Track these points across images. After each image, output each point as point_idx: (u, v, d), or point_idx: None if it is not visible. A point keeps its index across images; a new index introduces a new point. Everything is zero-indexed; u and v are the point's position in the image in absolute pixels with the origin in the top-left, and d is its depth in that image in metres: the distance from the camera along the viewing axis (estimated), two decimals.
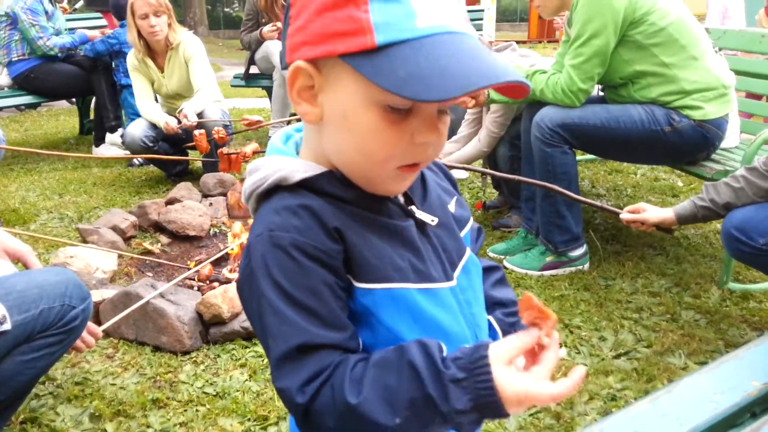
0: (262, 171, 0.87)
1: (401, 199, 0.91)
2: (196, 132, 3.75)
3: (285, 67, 0.83)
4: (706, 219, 2.35)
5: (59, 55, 5.31)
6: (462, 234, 1.00)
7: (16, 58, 5.28)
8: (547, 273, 2.98)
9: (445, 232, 0.94)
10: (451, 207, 0.99)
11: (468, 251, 0.98)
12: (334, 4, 0.75)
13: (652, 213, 2.38)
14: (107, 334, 2.46)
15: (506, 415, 0.76)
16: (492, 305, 1.08)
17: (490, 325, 1.05)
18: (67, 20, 5.93)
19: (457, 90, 0.70)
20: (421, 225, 0.90)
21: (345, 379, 0.77)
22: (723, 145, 2.94)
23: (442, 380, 0.75)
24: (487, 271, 1.11)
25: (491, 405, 0.74)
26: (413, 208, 0.91)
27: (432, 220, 0.91)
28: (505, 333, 1.04)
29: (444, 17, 0.75)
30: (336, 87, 0.79)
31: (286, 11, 0.84)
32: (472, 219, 1.06)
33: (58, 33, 5.40)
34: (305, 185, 0.84)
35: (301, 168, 0.85)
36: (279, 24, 5.26)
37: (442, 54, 0.73)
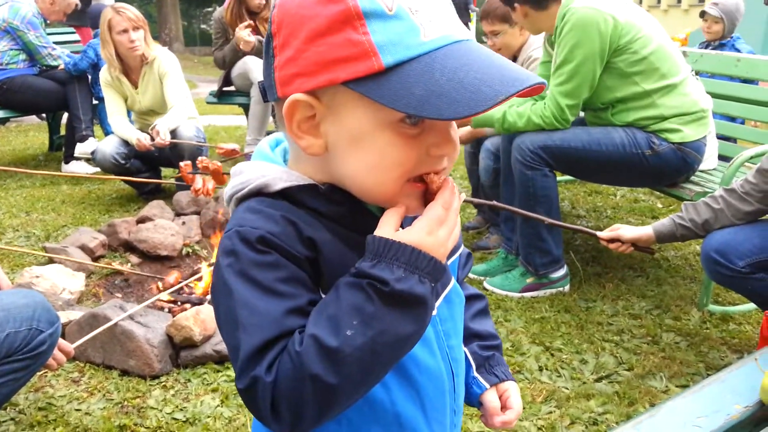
0: (245, 175, 0.83)
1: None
2: (181, 163, 3.65)
3: (275, 99, 0.78)
4: (685, 238, 2.35)
5: (71, 69, 5.23)
6: (449, 261, 0.95)
7: None
8: (527, 294, 2.95)
9: None
10: None
11: (452, 281, 0.94)
12: (328, 29, 0.71)
13: (627, 230, 2.37)
14: (73, 357, 2.37)
15: (441, 264, 0.75)
16: (469, 337, 1.06)
17: (465, 357, 1.03)
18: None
19: (485, 102, 0.67)
20: None
21: (296, 335, 0.72)
22: (701, 167, 2.96)
23: (368, 271, 0.72)
24: (470, 299, 1.07)
25: (416, 258, 0.73)
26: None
27: None
28: (479, 367, 1.04)
29: (446, 27, 0.73)
30: (342, 114, 0.75)
31: (267, 42, 0.78)
32: (462, 245, 1.03)
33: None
34: (286, 195, 0.80)
35: (284, 177, 0.81)
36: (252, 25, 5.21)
37: (458, 66, 0.70)
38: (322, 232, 0.79)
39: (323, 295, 0.78)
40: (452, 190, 0.80)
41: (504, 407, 1.02)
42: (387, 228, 0.76)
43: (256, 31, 5.27)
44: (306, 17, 0.72)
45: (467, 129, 3.39)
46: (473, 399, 1.04)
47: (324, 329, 0.70)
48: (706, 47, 5.53)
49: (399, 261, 0.73)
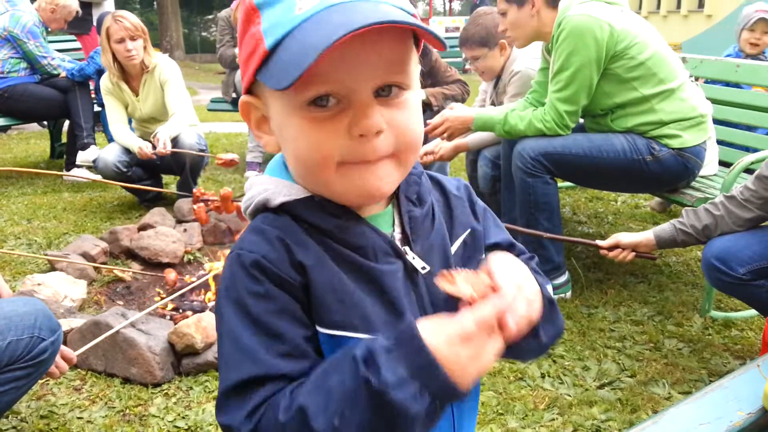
0: (252, 190, 0.85)
1: (397, 237, 0.84)
2: (194, 206, 3.64)
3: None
4: (686, 244, 2.36)
5: (76, 75, 5.25)
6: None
7: None
8: None
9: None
10: (456, 246, 0.89)
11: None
12: (243, 30, 0.77)
13: (627, 236, 2.39)
14: (75, 365, 2.36)
15: (453, 386, 0.67)
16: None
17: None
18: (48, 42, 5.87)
19: (312, 55, 0.66)
20: (410, 270, 0.83)
21: (286, 394, 0.71)
22: (702, 172, 2.96)
23: (373, 356, 0.68)
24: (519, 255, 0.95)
25: (427, 366, 0.66)
26: (407, 249, 0.83)
27: (422, 268, 0.83)
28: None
29: None
30: (269, 108, 0.79)
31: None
32: (513, 250, 0.95)
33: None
34: (286, 209, 0.81)
35: (284, 191, 0.82)
36: None
37: (312, 30, 0.70)
38: (317, 252, 0.78)
39: (318, 328, 0.77)
40: (495, 305, 0.69)
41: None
42: (433, 326, 0.69)
43: None
44: (238, 22, 0.80)
45: (451, 144, 3.41)
46: None
47: (314, 406, 0.68)
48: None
49: (409, 361, 0.67)
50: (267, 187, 0.83)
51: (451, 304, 0.81)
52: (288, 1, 0.72)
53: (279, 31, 0.72)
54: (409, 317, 0.77)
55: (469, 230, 0.92)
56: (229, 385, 0.74)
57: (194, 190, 3.63)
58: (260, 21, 0.73)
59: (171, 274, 2.90)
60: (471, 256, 0.90)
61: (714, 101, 3.13)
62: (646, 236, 2.36)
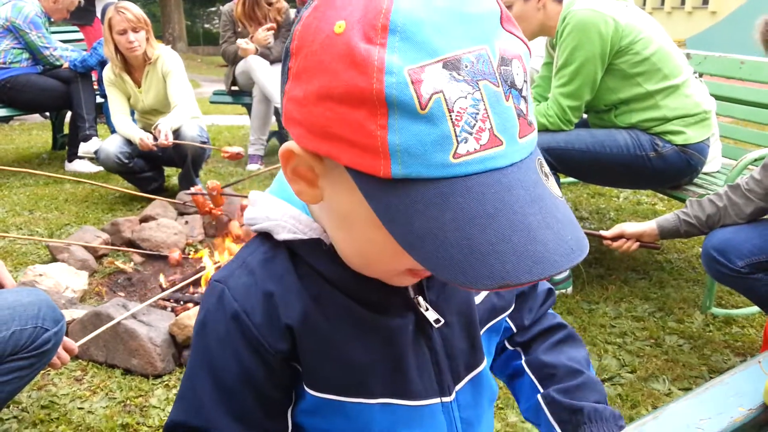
0: (255, 210, 0.76)
1: (409, 287, 0.75)
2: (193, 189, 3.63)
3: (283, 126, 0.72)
4: (689, 234, 2.35)
5: (78, 66, 5.24)
6: (492, 323, 0.84)
7: None
8: None
9: (456, 333, 0.78)
10: (481, 297, 0.81)
11: (484, 362, 0.82)
12: (342, 98, 0.55)
13: (631, 226, 2.40)
14: (76, 356, 2.37)
15: None
16: (543, 378, 0.91)
17: (544, 418, 0.88)
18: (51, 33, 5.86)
19: (486, 282, 0.53)
20: (422, 322, 0.75)
21: None
22: (705, 169, 2.95)
23: None
24: (547, 332, 0.94)
25: None
26: (420, 300, 0.75)
27: (436, 321, 0.75)
28: (564, 425, 0.86)
29: (495, 137, 0.55)
30: (338, 189, 0.63)
31: (285, 57, 0.64)
32: (536, 287, 0.92)
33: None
34: (289, 246, 0.74)
35: (288, 225, 0.73)
36: (258, 35, 5.23)
37: (477, 214, 0.54)
38: (306, 308, 0.71)
39: (308, 390, 0.74)
40: None
41: None
42: None
43: (277, 32, 5.30)
44: (324, 67, 0.57)
45: None
46: None
47: None
48: None
49: None
50: (270, 214, 0.74)
51: (470, 355, 0.79)
52: (442, 130, 0.53)
53: (418, 169, 0.54)
54: (413, 379, 0.74)
55: None
56: (171, 421, 0.75)
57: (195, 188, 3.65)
58: (385, 125, 0.53)
59: (175, 253, 2.90)
60: (500, 308, 0.85)
61: (718, 98, 3.12)
62: (649, 226, 2.36)
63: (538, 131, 2.95)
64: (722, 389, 1.43)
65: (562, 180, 3.22)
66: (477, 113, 0.54)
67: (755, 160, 2.63)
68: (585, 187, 4.66)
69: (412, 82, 0.52)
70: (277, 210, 0.74)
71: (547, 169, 0.61)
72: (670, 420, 1.32)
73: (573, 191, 4.64)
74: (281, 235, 0.73)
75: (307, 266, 0.72)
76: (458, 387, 0.78)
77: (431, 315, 0.75)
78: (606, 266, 3.29)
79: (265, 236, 0.76)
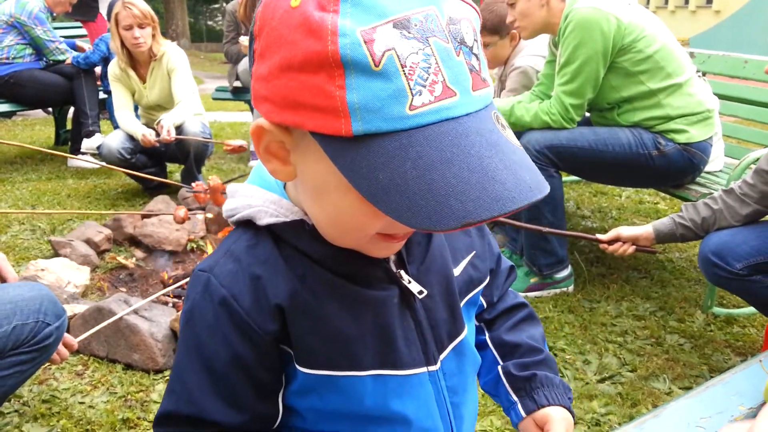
0: (235, 200, 0.78)
1: (391, 260, 0.78)
2: (194, 184, 3.63)
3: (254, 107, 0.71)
4: (685, 238, 2.35)
5: (81, 63, 5.25)
6: (471, 295, 0.87)
7: None
8: (531, 294, 2.95)
9: (438, 304, 0.81)
10: (459, 269, 0.85)
11: (465, 330, 0.85)
12: (302, 65, 0.58)
13: (627, 229, 2.39)
14: (77, 350, 2.38)
15: None
16: (505, 354, 0.97)
17: (503, 389, 0.95)
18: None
19: (446, 222, 0.55)
20: (406, 294, 0.78)
21: None
22: (707, 168, 2.95)
23: None
24: (510, 311, 1.00)
25: None
26: (402, 273, 0.78)
27: (419, 292, 0.78)
28: (518, 390, 0.93)
29: (448, 91, 0.58)
30: (307, 158, 0.66)
31: (250, 42, 0.68)
32: (501, 263, 0.97)
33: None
34: (272, 230, 0.75)
35: (270, 210, 0.75)
36: None
37: (436, 160, 0.57)
38: (293, 287, 0.73)
39: (299, 368, 0.75)
40: None
41: None
42: None
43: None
44: (284, 39, 0.60)
45: None
46: (514, 425, 0.96)
47: None
48: None
49: None
50: (252, 202, 0.76)
51: (451, 324, 0.82)
52: (397, 84, 0.56)
53: (377, 123, 0.57)
54: (400, 349, 0.76)
55: (473, 252, 0.89)
56: (162, 412, 0.76)
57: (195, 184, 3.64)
58: (344, 84, 0.56)
59: (180, 211, 2.88)
60: (477, 280, 0.88)
61: (722, 97, 3.12)
62: (645, 230, 2.36)
63: (541, 129, 2.96)
64: (723, 388, 1.43)
65: (564, 178, 3.21)
66: (429, 67, 0.57)
67: (757, 159, 2.63)
68: (587, 186, 4.66)
69: (365, 42, 0.56)
70: (258, 197, 0.77)
71: (504, 121, 0.63)
72: (671, 418, 1.32)
73: (575, 190, 4.64)
74: (264, 220, 0.75)
75: (290, 248, 0.74)
76: (443, 356, 0.81)
77: (414, 287, 0.78)
78: (607, 265, 3.28)
79: (246, 225, 0.77)
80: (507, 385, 0.94)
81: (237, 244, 0.76)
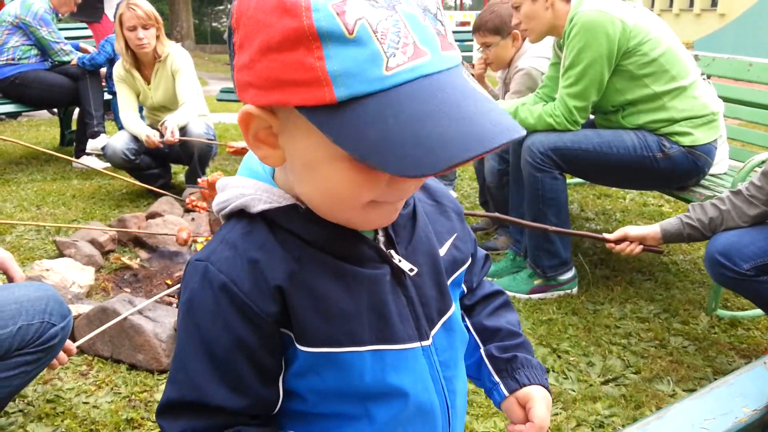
0: (227, 192, 0.80)
1: (381, 241, 0.81)
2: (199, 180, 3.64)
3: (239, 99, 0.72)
4: (692, 238, 2.35)
5: (84, 64, 5.27)
6: (455, 275, 0.91)
7: (4, 62, 5.21)
8: (535, 296, 2.95)
9: (426, 282, 0.84)
10: (444, 250, 0.89)
11: (453, 307, 0.88)
12: (281, 44, 0.62)
13: (634, 229, 2.39)
14: (82, 350, 2.39)
15: None
16: (487, 338, 1.01)
17: (486, 371, 0.99)
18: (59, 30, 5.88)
19: (435, 165, 0.59)
20: (397, 273, 0.81)
21: None
22: (712, 171, 2.95)
23: None
24: (488, 298, 1.04)
25: None
26: (392, 252, 0.81)
27: (410, 270, 0.81)
28: (500, 371, 0.98)
29: (419, 52, 0.63)
30: (296, 137, 0.69)
31: (228, 36, 0.71)
32: (477, 250, 1.00)
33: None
34: (266, 217, 0.77)
35: (263, 197, 0.77)
36: None
37: (418, 111, 0.61)
38: (291, 269, 0.74)
39: (300, 347, 0.76)
40: None
41: (527, 419, 0.95)
42: None
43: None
44: (261, 24, 0.64)
45: None
46: (497, 405, 0.99)
47: None
48: None
49: None
50: (244, 192, 0.78)
51: (440, 301, 0.85)
52: (371, 49, 0.61)
53: (358, 86, 0.61)
54: (395, 325, 0.79)
55: (455, 234, 0.92)
56: (165, 401, 0.77)
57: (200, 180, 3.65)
58: (322, 55, 0.60)
59: (183, 233, 2.90)
60: (460, 260, 0.92)
61: (726, 100, 3.12)
62: (653, 229, 2.36)
63: (545, 131, 2.96)
64: (727, 390, 1.43)
65: (568, 181, 3.21)
66: (399, 31, 0.62)
67: (762, 162, 2.63)
68: (591, 188, 4.66)
69: (337, 14, 0.60)
70: (249, 186, 0.79)
71: (474, 81, 0.68)
72: (675, 420, 1.32)
73: (579, 192, 4.64)
74: (257, 207, 0.77)
75: (285, 232, 0.76)
76: (433, 331, 0.84)
77: (405, 265, 0.81)
78: (611, 267, 3.28)
79: (240, 215, 0.79)
80: (490, 366, 0.98)
81: (232, 233, 0.77)
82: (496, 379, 0.98)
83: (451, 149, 0.60)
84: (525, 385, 0.96)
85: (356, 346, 0.77)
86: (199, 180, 3.66)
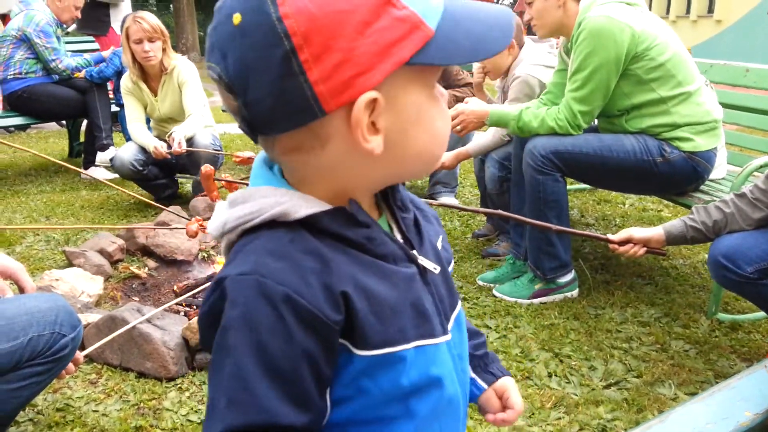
0: (254, 203, 0.75)
1: (400, 241, 0.83)
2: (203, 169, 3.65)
3: (323, 114, 0.70)
4: (695, 241, 2.35)
5: (72, 76, 5.30)
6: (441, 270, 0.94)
7: (11, 77, 5.26)
8: (536, 301, 2.97)
9: (441, 280, 0.87)
10: (438, 245, 0.93)
11: (459, 303, 0.92)
12: (372, 16, 0.68)
13: (638, 231, 2.40)
14: (91, 359, 2.42)
15: None
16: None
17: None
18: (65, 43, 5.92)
19: (504, 39, 0.76)
20: (422, 272, 0.83)
21: None
22: (711, 176, 2.96)
23: None
24: None
25: None
26: (415, 253, 0.83)
27: (435, 268, 0.84)
28: (474, 368, 1.04)
29: None
30: (400, 97, 0.73)
31: (287, 63, 0.68)
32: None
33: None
34: (306, 223, 0.74)
35: (302, 203, 0.74)
36: None
37: (463, 14, 0.75)
38: (348, 272, 0.73)
39: (351, 348, 0.74)
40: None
41: (505, 407, 1.02)
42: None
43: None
44: (343, 14, 0.67)
45: (453, 153, 3.50)
46: (473, 399, 1.02)
47: None
48: None
49: None
50: (280, 199, 0.75)
51: (449, 296, 0.89)
52: None
53: (435, 13, 0.72)
54: (432, 319, 0.81)
55: (441, 236, 0.95)
56: (229, 425, 0.69)
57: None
58: (405, 5, 0.70)
59: (193, 225, 2.92)
60: (448, 260, 0.94)
61: (724, 105, 3.14)
62: (657, 232, 2.36)
63: (546, 134, 2.97)
64: (729, 393, 1.44)
65: (569, 186, 3.24)
66: None
67: (760, 167, 2.64)
68: (591, 193, 4.68)
69: None
70: (283, 193, 0.76)
71: None
72: (677, 424, 1.33)
73: (579, 198, 4.66)
74: (300, 212, 0.74)
75: (328, 236, 0.75)
76: (449, 325, 0.87)
77: (429, 264, 0.84)
78: (612, 272, 3.31)
79: (270, 225, 0.75)
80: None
81: (272, 243, 0.73)
82: (472, 374, 1.02)
83: (496, 36, 0.76)
84: (499, 378, 1.04)
85: (405, 343, 0.77)
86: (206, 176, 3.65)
